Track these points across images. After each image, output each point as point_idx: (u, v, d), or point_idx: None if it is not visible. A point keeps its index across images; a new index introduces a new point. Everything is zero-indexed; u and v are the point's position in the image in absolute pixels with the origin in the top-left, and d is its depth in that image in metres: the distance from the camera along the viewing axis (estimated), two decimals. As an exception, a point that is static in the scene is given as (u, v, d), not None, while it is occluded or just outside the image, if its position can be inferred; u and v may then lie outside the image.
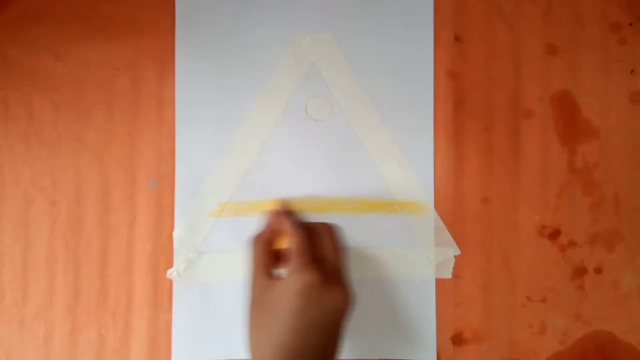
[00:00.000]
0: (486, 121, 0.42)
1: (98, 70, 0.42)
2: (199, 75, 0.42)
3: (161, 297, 0.41)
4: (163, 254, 0.41)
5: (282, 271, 0.34)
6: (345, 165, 0.42)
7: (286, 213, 0.37)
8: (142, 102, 0.42)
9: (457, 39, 0.42)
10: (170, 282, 0.41)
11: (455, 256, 0.41)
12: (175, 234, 0.41)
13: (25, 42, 0.42)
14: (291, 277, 0.32)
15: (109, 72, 0.42)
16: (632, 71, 0.42)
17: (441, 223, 0.41)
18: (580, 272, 0.42)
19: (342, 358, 0.41)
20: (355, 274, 0.41)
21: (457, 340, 0.41)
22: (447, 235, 0.41)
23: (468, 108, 0.42)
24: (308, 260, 0.32)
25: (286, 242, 0.35)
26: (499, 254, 0.42)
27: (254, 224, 0.38)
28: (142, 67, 0.42)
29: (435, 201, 0.42)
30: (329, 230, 0.35)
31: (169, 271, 0.41)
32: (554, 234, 0.42)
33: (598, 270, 0.42)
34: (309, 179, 0.41)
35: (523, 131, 0.42)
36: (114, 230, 0.41)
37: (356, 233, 0.41)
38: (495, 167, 0.42)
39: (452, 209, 0.42)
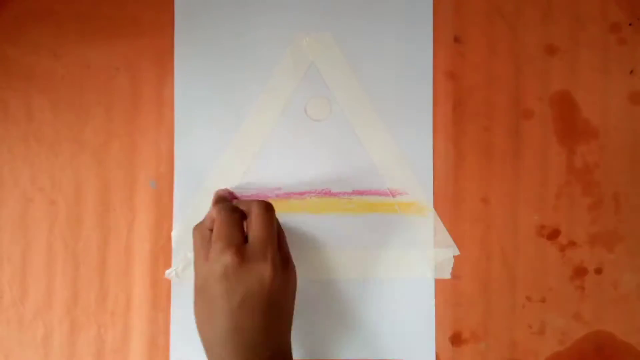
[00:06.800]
0: (486, 121, 0.42)
1: (97, 71, 0.42)
2: (199, 76, 0.42)
3: (160, 297, 0.41)
4: (162, 254, 0.41)
5: None
6: (344, 165, 0.41)
7: (216, 200, 0.38)
8: (141, 102, 0.42)
9: (457, 39, 0.42)
10: (169, 282, 0.41)
11: (454, 256, 0.41)
12: (173, 234, 0.41)
13: (25, 42, 0.42)
14: (212, 261, 0.33)
15: (108, 72, 0.42)
16: (631, 71, 0.42)
17: (441, 223, 0.41)
18: (580, 272, 0.41)
19: (340, 358, 0.41)
20: (354, 274, 0.41)
21: (456, 340, 0.41)
22: (446, 235, 0.41)
23: (468, 108, 0.42)
24: (225, 244, 0.33)
25: None
26: (498, 254, 0.41)
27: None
28: (141, 67, 0.42)
29: (434, 201, 0.41)
30: (256, 208, 0.35)
31: (167, 271, 0.41)
32: (554, 234, 0.42)
33: (598, 271, 0.41)
34: (308, 179, 0.41)
35: (523, 131, 0.42)
36: (113, 231, 0.41)
37: (356, 233, 0.41)
38: (494, 167, 0.42)
39: (451, 209, 0.42)
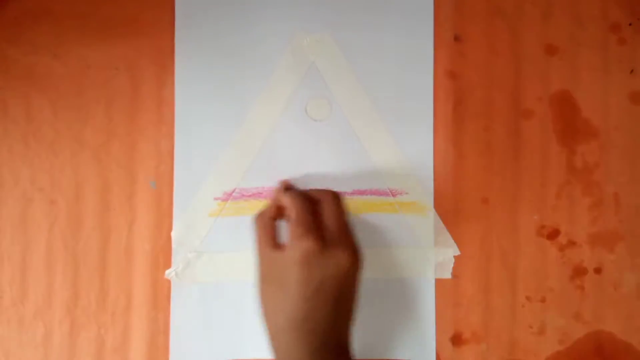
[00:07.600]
0: (486, 121, 0.42)
1: (97, 70, 0.42)
2: (199, 75, 0.42)
3: (160, 297, 0.41)
4: (162, 254, 0.41)
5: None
6: (344, 165, 0.41)
7: (284, 188, 0.38)
8: (141, 102, 0.42)
9: (457, 38, 0.42)
10: (169, 282, 0.41)
11: (454, 256, 0.41)
12: (173, 234, 0.41)
13: (24, 41, 0.42)
14: (290, 247, 0.33)
15: (108, 72, 0.42)
16: (631, 71, 0.42)
17: (441, 223, 0.41)
18: (580, 272, 0.41)
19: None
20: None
21: (457, 340, 0.41)
22: (446, 235, 0.41)
23: (468, 108, 0.42)
24: (305, 230, 0.33)
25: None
26: (498, 254, 0.41)
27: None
28: (141, 66, 0.42)
29: (435, 201, 0.41)
30: (328, 197, 0.35)
31: (167, 271, 0.41)
32: (554, 234, 0.42)
33: (598, 271, 0.41)
34: (308, 179, 0.41)
35: (523, 131, 0.42)
36: (113, 230, 0.41)
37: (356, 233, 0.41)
38: (494, 167, 0.42)
39: (451, 209, 0.42)
